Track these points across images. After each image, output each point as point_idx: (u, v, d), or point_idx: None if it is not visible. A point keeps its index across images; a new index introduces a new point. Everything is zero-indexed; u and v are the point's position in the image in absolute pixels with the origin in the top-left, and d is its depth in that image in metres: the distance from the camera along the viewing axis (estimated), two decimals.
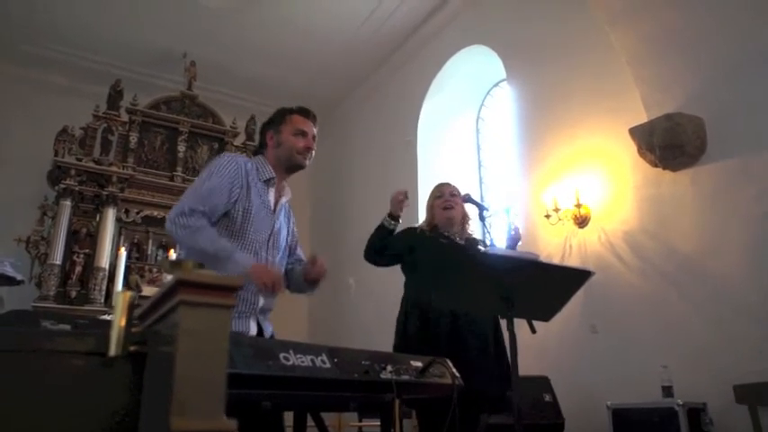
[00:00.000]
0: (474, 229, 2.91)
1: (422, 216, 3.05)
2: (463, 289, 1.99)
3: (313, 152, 2.15)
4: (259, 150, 2.18)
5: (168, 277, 0.72)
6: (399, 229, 2.82)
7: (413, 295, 2.67)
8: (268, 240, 2.01)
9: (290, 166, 2.13)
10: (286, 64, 6.77)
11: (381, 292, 4.49)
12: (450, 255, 2.61)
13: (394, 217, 2.72)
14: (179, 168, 6.20)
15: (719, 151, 3.45)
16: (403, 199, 2.68)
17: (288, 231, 2.19)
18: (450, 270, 2.39)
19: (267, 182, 2.05)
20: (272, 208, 2.06)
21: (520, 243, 2.78)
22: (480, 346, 2.52)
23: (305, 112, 2.18)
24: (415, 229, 2.87)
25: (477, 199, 2.90)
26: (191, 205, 1.84)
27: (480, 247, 2.79)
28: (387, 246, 2.74)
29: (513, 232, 2.78)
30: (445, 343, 2.46)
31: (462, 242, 2.80)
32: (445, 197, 2.83)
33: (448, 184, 2.93)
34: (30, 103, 6.34)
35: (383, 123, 6.77)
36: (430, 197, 2.93)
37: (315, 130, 2.18)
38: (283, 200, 2.13)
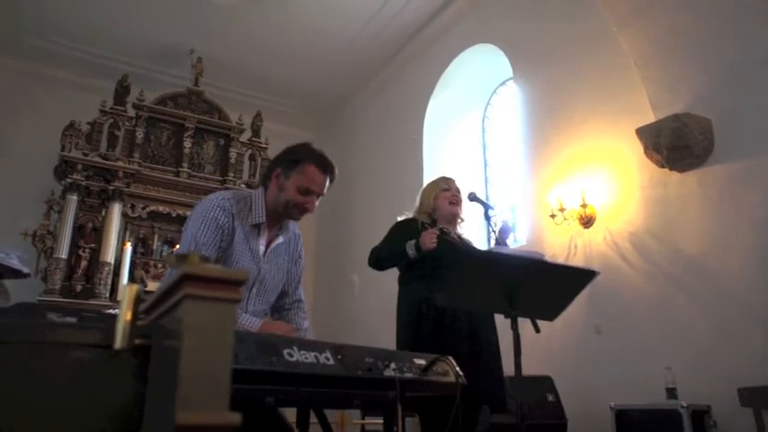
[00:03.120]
0: (466, 231, 2.85)
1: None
2: (467, 287, 1.99)
3: (311, 212, 1.94)
4: (264, 182, 1.98)
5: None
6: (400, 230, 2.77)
7: (423, 295, 2.52)
8: (251, 289, 1.88)
9: (282, 215, 1.95)
10: (292, 61, 6.78)
11: (385, 290, 4.49)
12: (458, 253, 2.54)
13: (420, 250, 2.54)
14: (185, 164, 6.22)
15: (727, 152, 3.43)
16: (435, 239, 2.53)
17: (284, 273, 2.01)
18: (456, 268, 2.37)
19: (256, 226, 1.90)
20: (262, 252, 1.91)
21: (511, 236, 2.72)
22: (492, 348, 2.52)
23: (323, 166, 1.91)
24: (414, 222, 2.74)
25: (483, 198, 2.87)
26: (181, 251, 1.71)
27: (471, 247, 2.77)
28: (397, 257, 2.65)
29: (503, 224, 2.73)
30: (466, 346, 2.39)
31: (457, 239, 2.75)
32: (453, 191, 2.78)
33: (453, 180, 2.87)
34: (37, 98, 6.38)
35: (389, 121, 6.77)
36: (434, 186, 2.83)
37: (326, 189, 1.94)
38: (280, 239, 1.97)
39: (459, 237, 2.78)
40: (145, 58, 6.66)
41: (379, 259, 2.71)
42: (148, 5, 5.91)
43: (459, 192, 2.80)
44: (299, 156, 1.92)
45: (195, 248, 1.75)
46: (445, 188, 2.80)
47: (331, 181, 1.95)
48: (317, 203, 1.94)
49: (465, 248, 2.67)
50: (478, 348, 2.44)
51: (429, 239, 2.50)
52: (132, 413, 0.81)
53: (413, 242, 2.55)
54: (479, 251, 2.62)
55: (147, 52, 6.61)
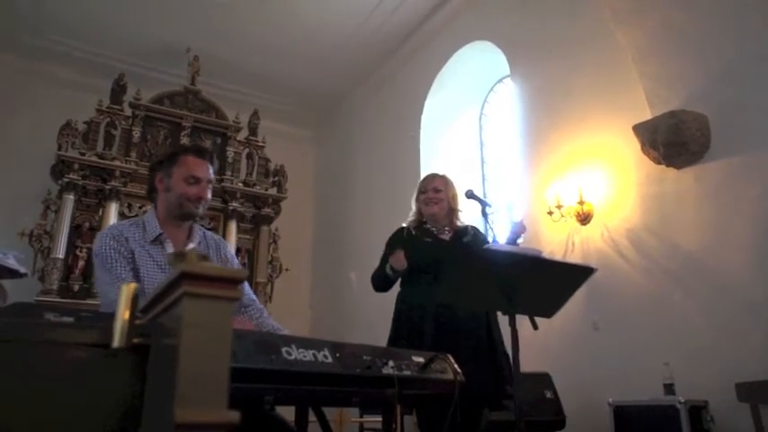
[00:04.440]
0: (463, 221, 2.84)
1: None
2: (464, 285, 1.99)
3: (207, 201, 1.93)
4: (150, 195, 1.97)
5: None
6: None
7: (402, 298, 2.67)
8: None
9: (180, 215, 1.92)
10: (289, 59, 6.77)
11: None
12: (438, 255, 2.57)
13: (395, 270, 2.63)
14: None
15: (723, 149, 3.44)
16: (403, 259, 2.60)
17: None
18: (441, 269, 2.40)
19: (156, 240, 1.87)
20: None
21: (523, 236, 2.73)
22: (472, 346, 2.50)
23: (199, 153, 1.95)
24: (402, 231, 2.82)
25: (480, 195, 2.86)
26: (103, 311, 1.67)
27: (468, 238, 2.77)
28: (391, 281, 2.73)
29: (518, 224, 2.73)
30: (430, 346, 2.43)
31: (449, 235, 2.76)
32: (428, 193, 2.78)
33: (434, 177, 2.85)
34: (33, 97, 6.35)
35: (386, 119, 6.77)
36: (416, 190, 2.87)
37: (211, 174, 1.95)
38: (190, 245, 1.93)
39: (456, 230, 2.78)
40: (141, 57, 6.64)
41: (375, 287, 2.82)
42: (145, 3, 5.90)
43: (437, 190, 2.78)
44: (173, 153, 1.96)
45: (112, 281, 1.72)
46: (421, 191, 2.83)
47: (212, 166, 1.97)
48: (209, 191, 1.94)
49: (452, 249, 2.68)
50: (451, 347, 2.42)
51: (397, 263, 2.58)
52: (131, 412, 0.81)
53: (388, 264, 2.64)
54: (477, 250, 2.61)
55: (143, 50, 6.59)
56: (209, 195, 1.95)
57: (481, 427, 2.47)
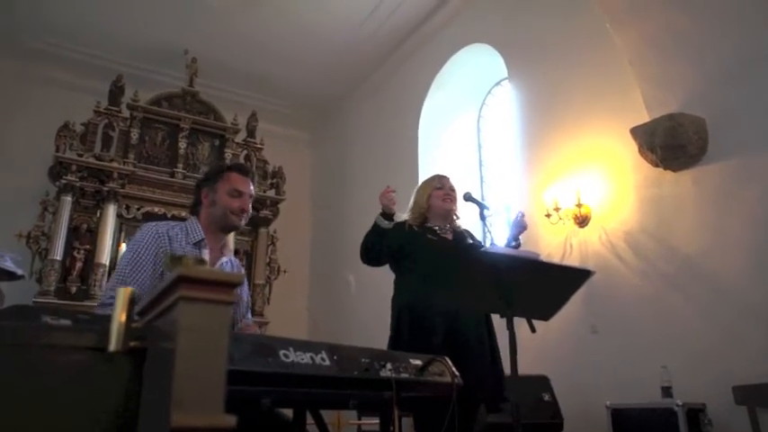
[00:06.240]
0: (461, 225, 2.84)
1: None
2: (462, 288, 1.99)
3: (248, 213, 2.08)
4: (194, 209, 2.10)
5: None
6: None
7: (405, 297, 2.57)
8: None
9: (224, 227, 2.07)
10: (287, 61, 6.77)
11: (381, 290, 4.48)
12: (446, 254, 2.55)
13: (387, 215, 2.60)
14: (180, 165, 6.20)
15: (721, 152, 3.45)
16: (392, 194, 2.59)
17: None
18: (448, 269, 2.37)
19: (197, 244, 1.98)
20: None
21: (522, 235, 2.72)
22: (477, 348, 2.50)
23: (243, 171, 2.12)
24: (403, 224, 2.73)
25: (478, 198, 2.86)
26: (113, 294, 1.76)
27: (469, 240, 2.77)
28: (386, 246, 2.64)
29: (519, 217, 2.72)
30: (440, 347, 2.41)
31: (450, 236, 2.73)
32: (446, 189, 2.76)
33: (448, 178, 2.84)
34: (31, 99, 6.35)
35: (384, 121, 6.77)
36: (427, 185, 2.81)
37: (252, 189, 2.11)
38: (224, 259, 2.07)
39: (456, 232, 2.77)
40: (139, 59, 6.63)
41: (364, 252, 2.71)
42: (143, 6, 5.90)
43: (453, 190, 2.79)
44: (217, 171, 2.12)
45: (132, 270, 1.84)
46: (438, 186, 2.78)
47: (253, 182, 2.14)
48: (249, 205, 2.09)
49: (457, 249, 2.67)
50: (459, 350, 2.41)
51: (386, 198, 2.58)
52: (128, 415, 0.80)
53: (379, 213, 2.61)
54: (475, 251, 2.60)
55: (141, 53, 6.58)
56: (251, 209, 2.11)
57: (478, 427, 2.46)
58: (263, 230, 6.58)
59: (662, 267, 3.61)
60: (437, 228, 2.74)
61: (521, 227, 2.70)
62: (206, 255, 1.97)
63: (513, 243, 2.69)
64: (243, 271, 2.22)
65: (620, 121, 3.87)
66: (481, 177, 5.95)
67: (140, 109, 6.13)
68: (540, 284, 1.90)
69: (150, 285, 1.82)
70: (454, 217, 2.81)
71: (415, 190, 2.88)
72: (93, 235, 5.64)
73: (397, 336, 2.51)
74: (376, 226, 2.64)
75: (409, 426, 2.46)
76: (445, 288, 2.08)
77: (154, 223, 2.02)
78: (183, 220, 2.12)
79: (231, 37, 6.35)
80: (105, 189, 5.74)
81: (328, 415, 3.19)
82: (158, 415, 0.66)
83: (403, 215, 2.81)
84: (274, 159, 6.90)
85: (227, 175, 2.06)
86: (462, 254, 2.52)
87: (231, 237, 6.20)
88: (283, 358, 1.20)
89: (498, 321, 2.02)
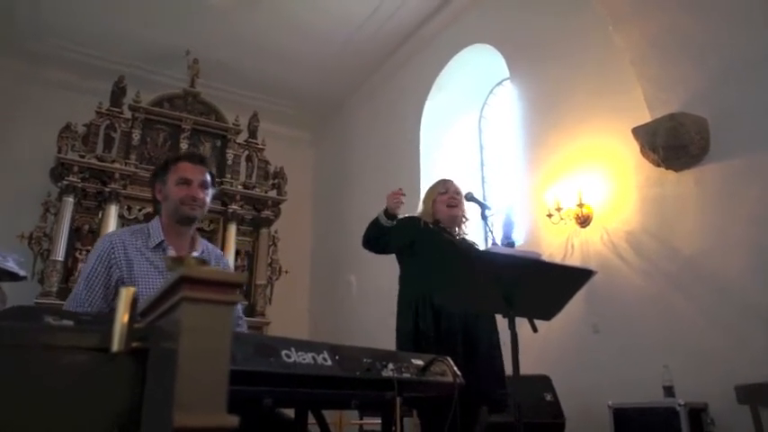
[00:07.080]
0: (470, 231, 2.85)
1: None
2: (464, 287, 1.99)
3: (205, 200, 1.96)
4: (156, 208, 2.01)
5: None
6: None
7: (421, 291, 2.52)
8: None
9: (179, 220, 1.94)
10: (289, 62, 6.77)
11: (382, 291, 4.50)
12: (458, 253, 2.54)
13: (390, 215, 2.58)
14: None
15: (723, 151, 3.44)
16: (400, 196, 2.55)
17: None
18: (454, 268, 2.37)
19: (157, 247, 1.90)
20: None
21: (524, 234, 2.72)
22: (488, 345, 2.51)
23: (191, 158, 2.01)
24: (417, 220, 2.74)
25: (480, 198, 2.86)
26: (67, 309, 1.74)
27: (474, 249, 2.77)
28: (387, 241, 2.63)
29: (506, 217, 2.71)
30: (461, 342, 2.40)
31: (459, 240, 2.74)
32: (450, 194, 2.76)
33: (452, 182, 2.85)
34: (33, 100, 6.36)
35: (385, 122, 6.77)
36: (432, 190, 2.83)
37: (206, 177, 1.97)
38: (194, 254, 1.94)
39: (462, 239, 2.78)
40: (141, 60, 6.64)
41: (366, 239, 2.70)
42: (144, 7, 5.90)
43: (458, 193, 2.78)
44: (164, 163, 2.01)
45: (84, 288, 1.80)
46: (442, 191, 2.78)
47: (208, 169, 2.00)
48: (208, 196, 1.97)
49: (466, 249, 2.67)
50: (474, 346, 2.44)
51: (392, 200, 2.53)
52: (130, 416, 0.80)
53: (383, 210, 2.57)
54: (477, 251, 2.61)
55: (143, 54, 6.59)
56: (207, 198, 1.98)
57: (480, 427, 2.46)
58: (264, 231, 6.58)
59: (664, 267, 3.61)
60: (449, 231, 2.75)
61: (509, 225, 2.70)
62: (170, 255, 1.88)
63: (506, 242, 2.68)
64: (222, 253, 2.17)
65: (622, 121, 3.87)
66: (483, 177, 5.95)
67: (142, 110, 6.14)
68: (542, 284, 1.90)
69: (103, 302, 1.80)
70: (463, 220, 2.81)
71: (423, 196, 2.90)
72: (95, 236, 5.63)
73: (416, 328, 2.47)
74: (377, 221, 2.62)
75: (411, 426, 2.46)
76: (447, 288, 2.08)
77: (110, 233, 1.97)
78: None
79: (233, 38, 6.35)
80: (107, 190, 5.75)
81: (330, 415, 3.19)
82: (161, 415, 0.66)
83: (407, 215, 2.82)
84: (276, 160, 6.91)
85: (173, 165, 1.97)
86: (467, 253, 2.51)
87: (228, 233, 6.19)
88: (285, 358, 1.20)
89: (500, 321, 2.02)
